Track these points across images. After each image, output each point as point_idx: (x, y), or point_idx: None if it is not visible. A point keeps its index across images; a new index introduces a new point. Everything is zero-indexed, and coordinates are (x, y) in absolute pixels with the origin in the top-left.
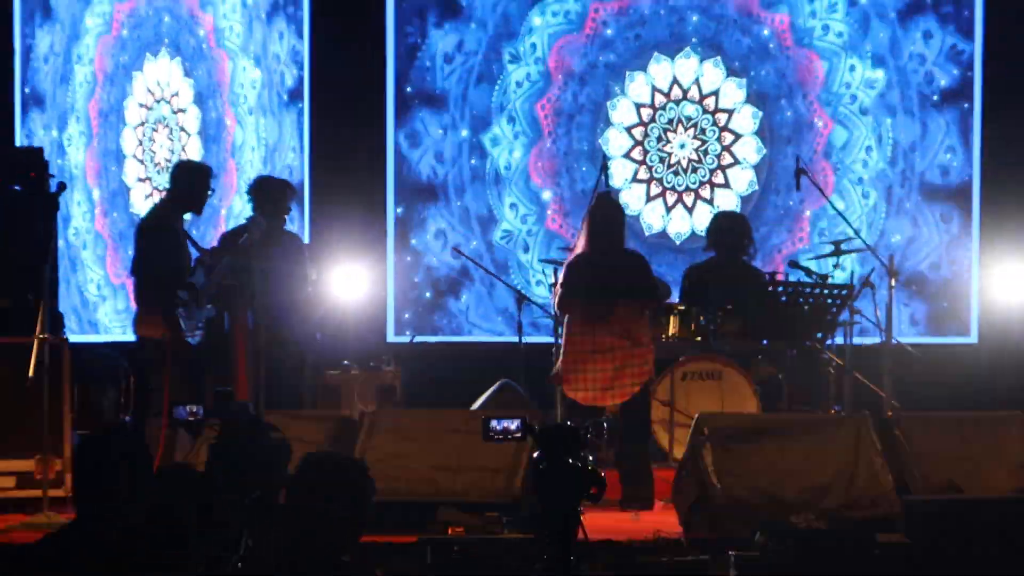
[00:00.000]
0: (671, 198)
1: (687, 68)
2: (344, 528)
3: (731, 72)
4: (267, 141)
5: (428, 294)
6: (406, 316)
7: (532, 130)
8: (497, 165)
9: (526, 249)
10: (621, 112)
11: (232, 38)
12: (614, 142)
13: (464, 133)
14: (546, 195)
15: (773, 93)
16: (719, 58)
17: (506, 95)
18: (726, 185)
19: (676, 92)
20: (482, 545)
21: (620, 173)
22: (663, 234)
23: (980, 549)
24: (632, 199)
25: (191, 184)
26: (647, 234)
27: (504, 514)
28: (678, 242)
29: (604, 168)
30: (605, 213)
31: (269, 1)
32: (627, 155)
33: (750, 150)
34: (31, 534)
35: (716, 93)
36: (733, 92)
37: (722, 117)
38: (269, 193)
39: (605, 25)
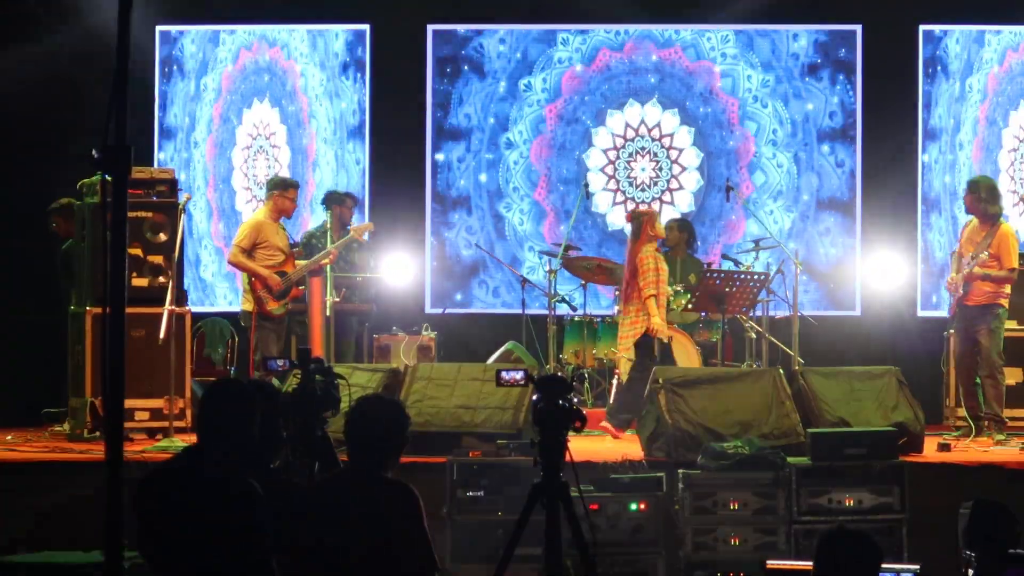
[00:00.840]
0: (631, 207)
1: (652, 113)
2: (387, 450)
3: (684, 121)
4: (339, 162)
5: (455, 277)
6: (440, 293)
7: (534, 133)
8: (510, 179)
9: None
10: (601, 139)
11: (315, 88)
12: (594, 160)
13: (483, 156)
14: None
15: (711, 132)
16: (676, 109)
17: (521, 111)
18: (671, 204)
19: (642, 130)
20: (494, 465)
21: (596, 182)
22: (622, 232)
23: (861, 466)
24: (603, 204)
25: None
26: (610, 230)
27: (511, 441)
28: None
29: (585, 187)
30: None
31: (340, 63)
32: (602, 170)
33: (692, 180)
34: (161, 455)
35: (672, 135)
36: (683, 136)
37: (674, 153)
38: (336, 202)
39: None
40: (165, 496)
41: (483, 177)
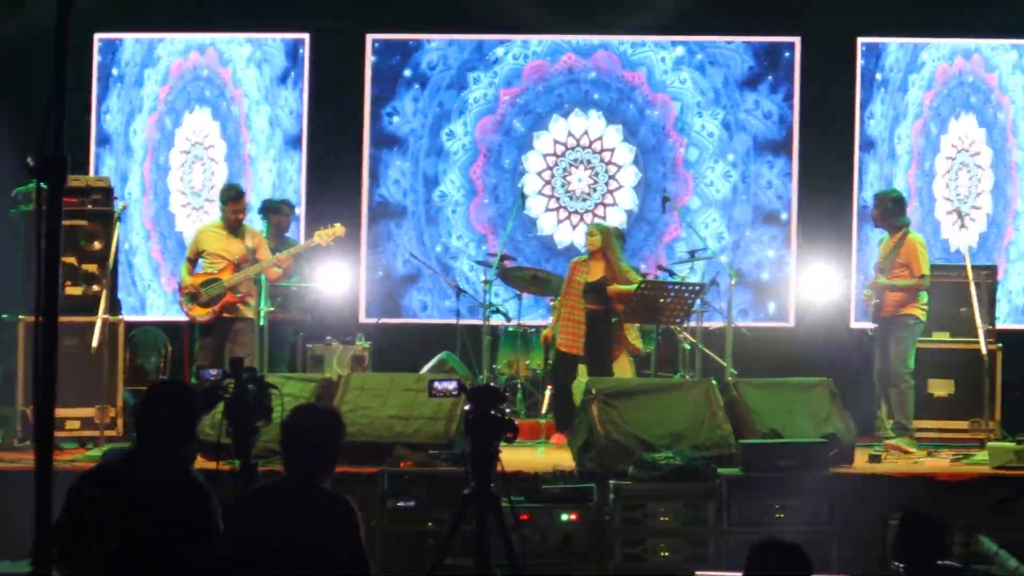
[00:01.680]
0: (575, 219)
1: (587, 124)
2: (323, 459)
3: (618, 129)
4: (276, 170)
5: (390, 287)
6: (373, 303)
7: (472, 149)
8: (444, 190)
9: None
10: (537, 150)
11: (253, 98)
12: (531, 170)
13: (420, 166)
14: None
15: (646, 144)
16: (612, 118)
17: (459, 121)
18: (612, 206)
19: (572, 141)
20: (426, 475)
21: (534, 195)
22: (551, 239)
23: (793, 477)
24: (546, 222)
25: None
26: (559, 248)
27: (442, 452)
28: (559, 247)
29: (522, 198)
30: None
31: (281, 69)
32: (540, 192)
33: (627, 191)
34: (91, 464)
35: (602, 140)
36: (620, 146)
37: (612, 168)
38: (274, 211)
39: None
40: (107, 497)
41: (420, 186)
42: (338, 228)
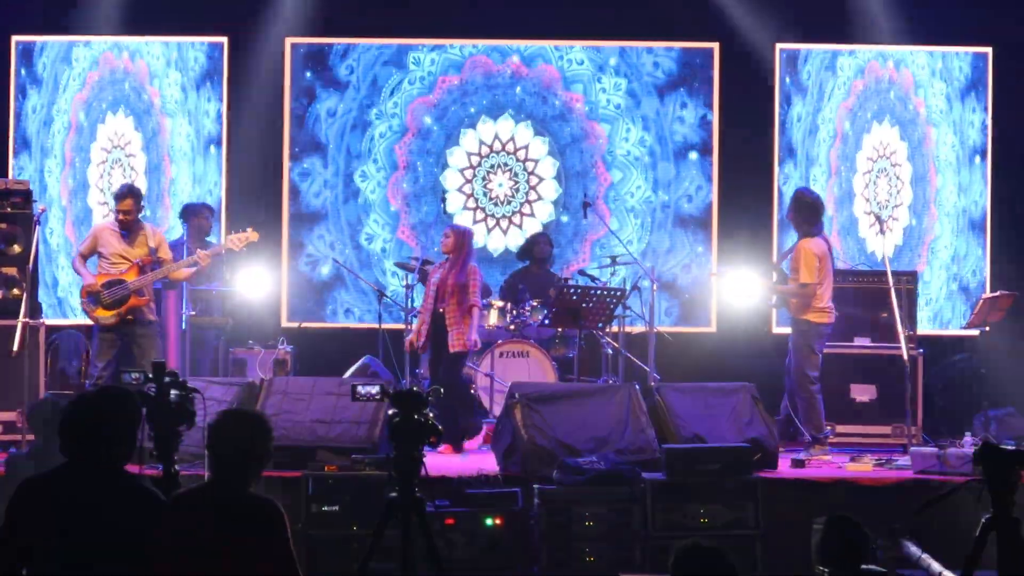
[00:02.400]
0: (491, 223)
1: (505, 128)
2: (252, 464)
3: (537, 132)
4: (195, 174)
5: (312, 291)
6: (296, 307)
7: (391, 147)
8: (365, 195)
9: (384, 256)
10: (458, 155)
11: (171, 101)
12: (451, 177)
13: (341, 170)
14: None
15: (568, 148)
16: (529, 121)
17: (379, 125)
18: (531, 215)
19: (496, 145)
20: (349, 479)
21: (455, 201)
22: (484, 248)
23: (716, 481)
24: (463, 221)
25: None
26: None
27: (366, 456)
28: (495, 255)
29: (443, 201)
30: None
31: (199, 72)
32: (460, 189)
33: (550, 190)
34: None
35: (527, 150)
36: (538, 147)
37: (530, 164)
38: (194, 214)
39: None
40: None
41: (340, 191)
42: (251, 233)
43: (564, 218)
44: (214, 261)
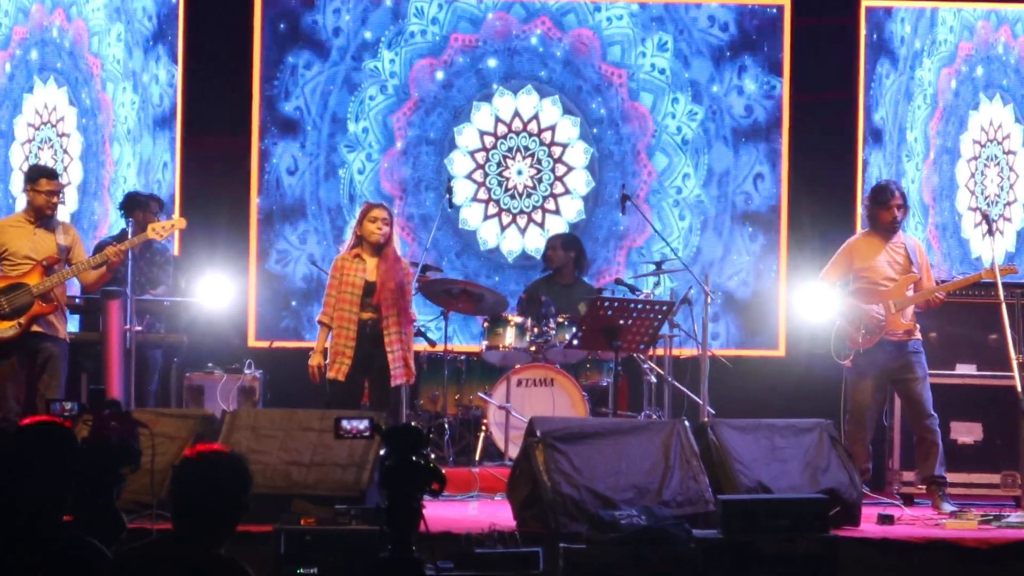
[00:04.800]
0: (506, 218)
1: (527, 103)
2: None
3: (567, 110)
4: (142, 157)
5: (286, 303)
6: (266, 322)
7: (383, 127)
8: (352, 175)
9: None
10: (466, 136)
11: (113, 64)
12: (458, 163)
13: (322, 152)
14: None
15: (603, 127)
16: (557, 96)
17: (368, 98)
18: (556, 211)
19: (516, 124)
20: (332, 535)
21: (462, 192)
22: (496, 250)
23: (784, 541)
24: (472, 216)
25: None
26: (482, 249)
27: (352, 507)
28: (510, 259)
29: (448, 195)
30: None
31: (151, 30)
32: (469, 176)
33: (580, 181)
34: None
35: (555, 131)
36: (568, 128)
37: (557, 149)
38: (139, 207)
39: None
40: None
41: (321, 179)
42: (177, 220)
43: (595, 212)
44: (160, 263)
